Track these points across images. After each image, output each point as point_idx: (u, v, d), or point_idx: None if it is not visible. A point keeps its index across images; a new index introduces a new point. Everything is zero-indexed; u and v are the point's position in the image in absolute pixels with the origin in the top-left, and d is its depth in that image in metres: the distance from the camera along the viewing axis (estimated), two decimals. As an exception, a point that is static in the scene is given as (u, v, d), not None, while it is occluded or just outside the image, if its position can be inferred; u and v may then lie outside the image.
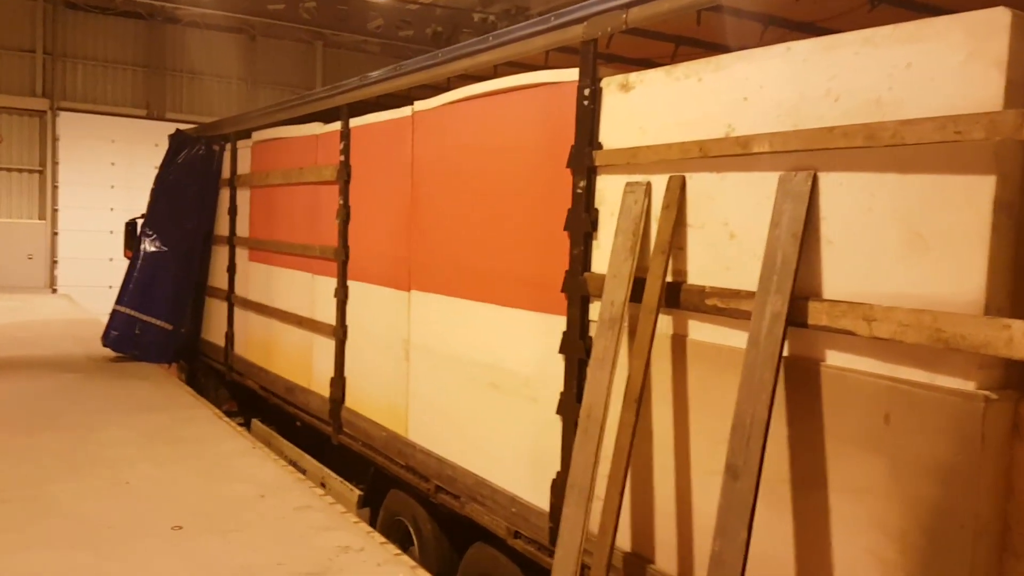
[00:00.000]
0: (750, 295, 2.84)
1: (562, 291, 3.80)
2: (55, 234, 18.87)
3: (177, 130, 9.51)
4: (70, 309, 13.98)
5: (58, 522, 4.27)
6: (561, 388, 3.83)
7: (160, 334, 9.11)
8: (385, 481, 5.65)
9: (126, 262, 9.68)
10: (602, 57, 3.86)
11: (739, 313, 2.89)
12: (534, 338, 4.05)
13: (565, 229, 3.79)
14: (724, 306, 2.96)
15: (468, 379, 4.56)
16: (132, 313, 9.05)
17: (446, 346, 4.77)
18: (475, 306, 4.50)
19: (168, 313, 9.12)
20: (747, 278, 2.90)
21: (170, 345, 9.19)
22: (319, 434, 6.99)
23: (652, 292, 3.19)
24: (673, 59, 4.09)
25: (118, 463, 5.31)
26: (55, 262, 18.91)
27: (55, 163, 18.81)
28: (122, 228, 11.84)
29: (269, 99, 20.78)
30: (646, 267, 3.34)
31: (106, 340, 9.16)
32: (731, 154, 2.96)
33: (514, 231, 4.21)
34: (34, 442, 5.74)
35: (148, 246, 9.18)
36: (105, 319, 8.86)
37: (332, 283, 6.19)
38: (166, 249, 9.15)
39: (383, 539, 4.21)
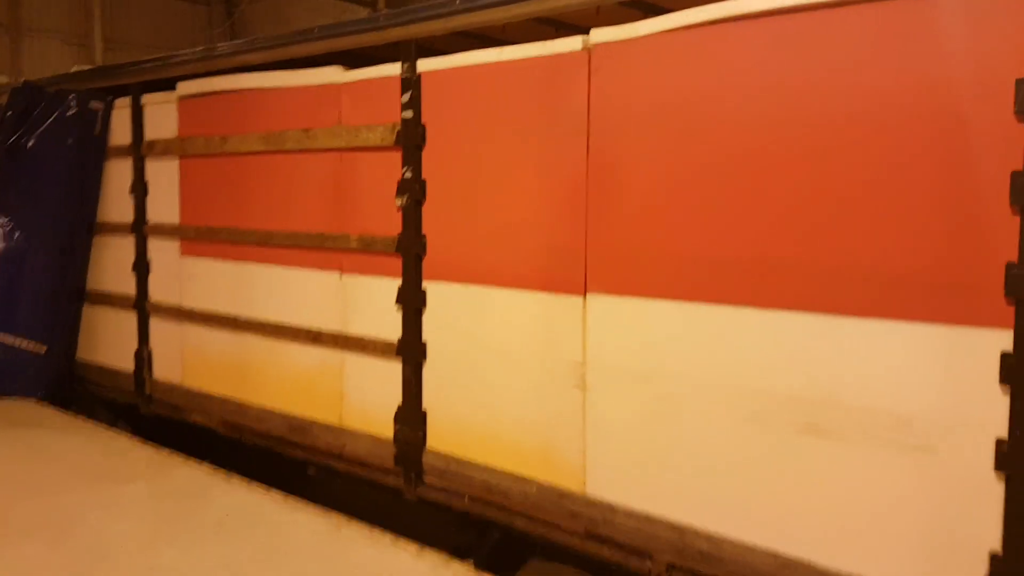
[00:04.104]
0: None
1: (1007, 294, 2.63)
2: None
3: (25, 82, 6.99)
4: None
5: None
6: (998, 434, 2.68)
7: (30, 359, 6.71)
8: (520, 550, 4.20)
9: None
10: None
11: None
12: (919, 362, 2.85)
13: (1014, 203, 2.60)
14: None
15: (750, 419, 3.25)
16: (-12, 334, 6.60)
17: (688, 372, 3.41)
18: (765, 316, 3.19)
19: (39, 330, 6.70)
20: None
21: (45, 372, 6.76)
22: (304, 477, 5.31)
23: None
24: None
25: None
26: None
27: None
28: None
29: (38, 50, 17.22)
30: None
31: (-44, 372, 6.62)
32: None
33: (863, 207, 2.95)
34: (17, 556, 3.65)
35: (0, 240, 6.72)
36: None
37: (389, 285, 4.52)
38: (27, 245, 6.73)
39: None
